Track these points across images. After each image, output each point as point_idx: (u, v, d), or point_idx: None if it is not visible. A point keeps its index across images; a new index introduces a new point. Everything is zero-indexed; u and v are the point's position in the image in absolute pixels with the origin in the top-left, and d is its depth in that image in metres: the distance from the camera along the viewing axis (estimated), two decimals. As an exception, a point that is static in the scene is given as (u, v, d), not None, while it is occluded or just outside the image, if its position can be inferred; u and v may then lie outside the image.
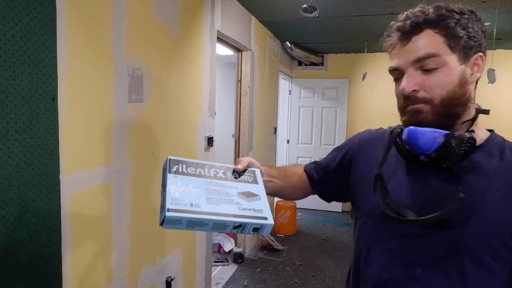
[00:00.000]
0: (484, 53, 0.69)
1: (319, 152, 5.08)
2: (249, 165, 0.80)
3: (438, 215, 0.63)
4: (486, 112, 0.70)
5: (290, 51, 4.33)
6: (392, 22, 0.71)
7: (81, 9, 1.26)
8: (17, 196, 1.04)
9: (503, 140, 0.72)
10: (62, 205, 1.20)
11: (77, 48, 1.25)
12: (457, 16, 0.66)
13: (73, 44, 1.23)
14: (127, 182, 1.57)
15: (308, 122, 5.09)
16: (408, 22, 0.67)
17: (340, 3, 2.79)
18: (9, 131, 1.00)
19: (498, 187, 0.65)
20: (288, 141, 5.19)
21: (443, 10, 0.66)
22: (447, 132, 0.64)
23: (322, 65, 5.08)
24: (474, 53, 0.67)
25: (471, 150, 0.64)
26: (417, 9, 0.68)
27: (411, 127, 0.68)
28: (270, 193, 0.89)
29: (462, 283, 0.64)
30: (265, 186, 0.80)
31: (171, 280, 1.96)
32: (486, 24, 0.69)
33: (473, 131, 0.68)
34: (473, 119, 0.69)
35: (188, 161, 0.73)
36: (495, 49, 3.94)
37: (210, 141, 2.40)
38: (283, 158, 5.20)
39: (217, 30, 2.45)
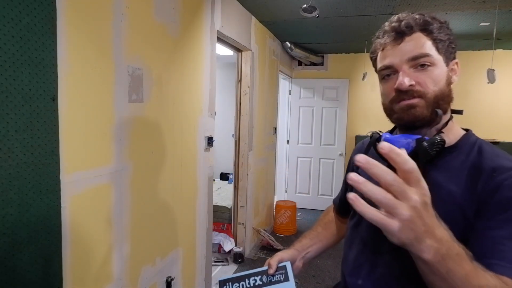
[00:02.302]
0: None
1: (319, 152, 5.08)
2: (280, 261, 0.90)
3: None
4: (460, 112, 0.77)
5: (290, 51, 4.33)
6: (386, 23, 0.76)
7: (81, 9, 1.26)
8: (17, 196, 1.04)
9: (476, 140, 0.75)
10: (62, 205, 1.20)
11: (77, 48, 1.25)
12: (439, 24, 0.72)
13: (73, 44, 1.23)
14: (127, 182, 1.57)
15: (308, 122, 5.09)
16: (402, 23, 0.72)
17: (340, 3, 2.79)
18: (9, 131, 1.00)
19: (456, 182, 0.69)
20: (288, 141, 5.19)
21: (428, 17, 0.72)
22: (418, 136, 0.69)
23: (322, 65, 5.09)
24: (452, 59, 0.74)
25: (442, 150, 0.70)
26: (404, 14, 0.74)
27: (386, 135, 0.74)
28: (317, 256, 1.03)
29: None
30: (306, 257, 0.98)
31: (171, 280, 1.96)
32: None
33: (443, 132, 0.73)
34: (448, 120, 0.75)
35: (232, 277, 0.88)
36: (495, 49, 3.94)
37: (210, 141, 2.40)
38: (283, 158, 5.20)
39: (217, 30, 2.46)
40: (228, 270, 3.15)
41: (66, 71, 1.20)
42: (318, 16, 2.60)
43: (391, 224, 0.46)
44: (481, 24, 3.19)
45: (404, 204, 0.45)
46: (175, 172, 2.00)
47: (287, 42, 4.21)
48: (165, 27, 1.82)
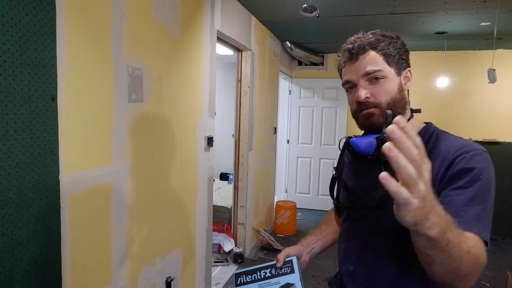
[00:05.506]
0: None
1: (319, 152, 5.08)
2: (287, 256, 0.98)
3: (368, 199, 0.81)
4: (418, 111, 0.90)
5: (290, 51, 4.33)
6: (343, 45, 0.89)
7: (80, 9, 1.26)
8: (17, 196, 1.04)
9: (434, 129, 0.87)
10: (61, 205, 1.20)
11: (77, 48, 1.25)
12: (389, 40, 0.84)
13: (72, 44, 1.23)
14: (126, 182, 1.57)
15: (308, 122, 5.08)
16: (355, 44, 0.85)
17: (340, 3, 2.79)
18: (8, 131, 1.00)
19: None
20: (288, 141, 5.19)
21: (379, 35, 0.85)
22: (378, 135, 0.81)
23: (322, 65, 5.08)
24: (404, 68, 0.86)
25: None
26: (359, 35, 0.87)
27: (353, 138, 0.88)
28: (322, 251, 1.12)
29: (398, 243, 0.81)
30: (311, 252, 1.07)
31: (171, 280, 1.96)
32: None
33: None
34: (409, 118, 0.88)
35: (247, 270, 0.99)
36: (495, 49, 3.93)
37: (210, 141, 2.40)
38: (283, 158, 5.20)
39: (217, 30, 2.45)
40: (228, 271, 3.15)
41: (66, 71, 1.20)
42: (318, 16, 2.60)
43: (412, 202, 0.49)
44: (482, 24, 3.19)
45: (421, 180, 0.49)
46: (175, 172, 2.00)
47: (287, 42, 4.21)
48: (165, 27, 1.82)
